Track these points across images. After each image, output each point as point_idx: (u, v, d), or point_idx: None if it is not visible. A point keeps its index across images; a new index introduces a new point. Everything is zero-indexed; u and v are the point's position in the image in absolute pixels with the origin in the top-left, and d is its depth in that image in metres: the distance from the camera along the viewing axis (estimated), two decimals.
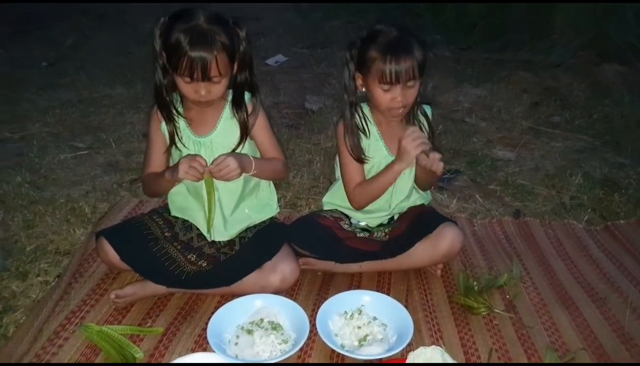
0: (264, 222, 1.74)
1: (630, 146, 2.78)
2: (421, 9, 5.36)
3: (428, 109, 1.77)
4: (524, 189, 2.42)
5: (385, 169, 1.69)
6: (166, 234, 1.67)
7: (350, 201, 1.78)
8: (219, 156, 1.54)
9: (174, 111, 1.60)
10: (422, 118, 1.75)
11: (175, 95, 1.61)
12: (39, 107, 3.20)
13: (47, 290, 1.68)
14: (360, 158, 1.71)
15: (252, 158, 1.60)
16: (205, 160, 1.52)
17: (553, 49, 4.11)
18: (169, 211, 1.74)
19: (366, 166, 1.74)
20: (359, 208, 1.78)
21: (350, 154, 1.70)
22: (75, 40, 4.64)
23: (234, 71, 1.54)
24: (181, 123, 1.63)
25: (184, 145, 1.62)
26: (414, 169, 1.71)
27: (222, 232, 1.68)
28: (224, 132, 1.63)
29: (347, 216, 1.84)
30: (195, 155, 1.53)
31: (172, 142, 1.62)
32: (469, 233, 2.07)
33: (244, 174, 1.61)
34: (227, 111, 1.64)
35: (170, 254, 1.61)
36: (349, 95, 1.68)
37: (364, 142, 1.72)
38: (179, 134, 1.62)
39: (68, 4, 5.62)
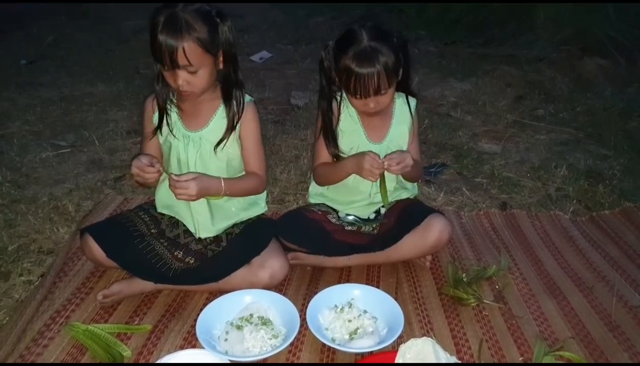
0: (251, 218, 1.73)
1: (613, 138, 2.81)
2: (405, 6, 5.37)
3: (412, 102, 1.77)
4: (510, 182, 2.44)
5: (343, 163, 1.69)
6: (152, 230, 1.65)
7: (313, 175, 1.82)
8: (188, 173, 1.51)
9: (169, 100, 1.59)
10: (405, 108, 1.75)
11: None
12: (19, 106, 3.14)
13: (31, 290, 1.65)
14: (335, 155, 1.72)
15: (222, 182, 1.56)
16: (153, 161, 1.49)
17: (536, 44, 4.15)
18: (155, 208, 1.71)
19: (345, 148, 1.73)
20: (318, 184, 1.83)
21: (322, 135, 1.72)
22: (55, 38, 4.55)
23: (218, 64, 1.52)
24: (173, 115, 1.61)
25: (174, 136, 1.60)
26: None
27: (209, 228, 1.66)
28: (215, 130, 1.60)
29: (335, 210, 1.83)
30: (140, 155, 1.51)
31: (159, 126, 1.61)
32: (457, 225, 2.07)
33: (226, 173, 1.62)
34: (222, 109, 1.62)
35: (156, 250, 1.59)
36: (324, 94, 1.68)
37: (343, 125, 1.72)
38: (170, 124, 1.60)
39: (48, 3, 5.52)
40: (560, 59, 3.99)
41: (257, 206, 1.75)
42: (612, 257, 1.90)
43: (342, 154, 1.72)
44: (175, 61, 1.41)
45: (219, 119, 1.61)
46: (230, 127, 1.60)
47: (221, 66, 1.53)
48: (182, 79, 1.46)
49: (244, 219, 1.72)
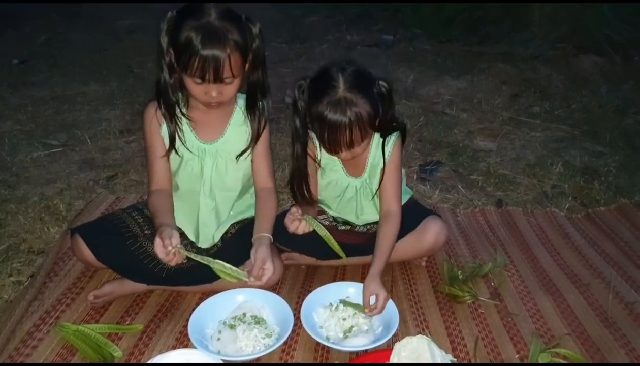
0: (247, 218, 1.70)
1: (609, 135, 2.81)
2: (400, 5, 5.36)
3: (390, 141, 1.60)
4: (506, 179, 2.43)
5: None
6: (146, 231, 1.60)
7: None
8: (257, 264, 1.43)
9: (179, 112, 1.50)
10: (379, 147, 1.61)
11: (180, 94, 1.50)
12: (10, 105, 3.10)
13: (20, 290, 1.62)
14: (300, 195, 1.65)
15: (269, 237, 1.50)
16: (177, 239, 1.38)
17: (531, 42, 4.14)
18: (149, 208, 1.68)
19: (323, 182, 1.69)
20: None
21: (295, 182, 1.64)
22: (48, 37, 4.51)
23: (246, 70, 1.45)
24: (184, 126, 1.52)
25: (188, 149, 1.53)
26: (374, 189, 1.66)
27: (211, 239, 1.63)
28: (233, 139, 1.55)
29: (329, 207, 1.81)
30: (164, 234, 1.37)
31: (172, 145, 1.51)
32: (452, 223, 2.06)
33: (241, 184, 1.61)
34: (237, 115, 1.55)
35: (149, 252, 1.55)
36: (299, 138, 1.56)
37: (322, 161, 1.65)
38: (182, 137, 1.52)
39: (41, 3, 5.48)
40: (556, 56, 3.99)
41: (253, 207, 1.71)
42: (608, 254, 1.90)
43: (316, 201, 1.67)
44: (220, 75, 1.34)
45: (235, 128, 1.55)
46: (255, 138, 1.55)
47: (246, 70, 1.45)
48: (217, 90, 1.38)
49: (240, 219, 1.69)
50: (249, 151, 1.56)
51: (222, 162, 1.56)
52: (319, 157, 1.64)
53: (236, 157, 1.56)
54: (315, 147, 1.63)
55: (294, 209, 1.52)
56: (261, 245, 1.47)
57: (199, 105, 1.48)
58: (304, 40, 4.79)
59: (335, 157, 1.64)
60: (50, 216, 2.01)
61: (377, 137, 1.62)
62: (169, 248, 1.36)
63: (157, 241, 1.38)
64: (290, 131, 1.59)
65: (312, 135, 1.60)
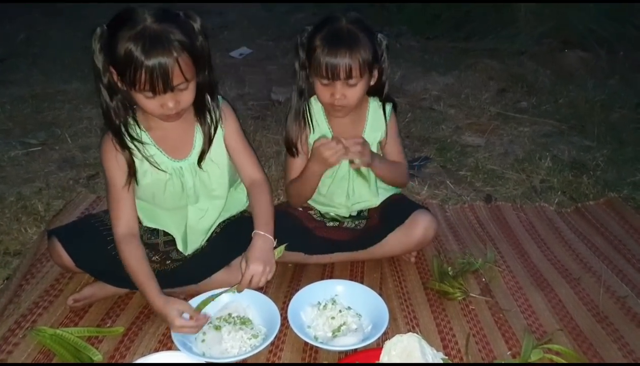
0: (233, 215, 1.65)
1: (596, 129, 2.80)
2: (386, 2, 5.34)
3: (388, 107, 1.64)
4: (495, 174, 2.41)
5: (307, 165, 1.58)
6: None
7: (287, 196, 1.73)
8: (248, 271, 1.35)
9: (132, 136, 1.36)
10: (379, 114, 1.64)
11: (132, 114, 1.37)
12: None
13: None
14: (290, 149, 1.62)
15: (268, 237, 1.42)
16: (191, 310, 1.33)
17: (517, 37, 4.14)
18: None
19: None
20: (294, 204, 1.72)
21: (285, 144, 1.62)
22: (28, 35, 4.41)
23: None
24: (151, 149, 1.39)
25: (164, 171, 1.41)
26: (370, 171, 1.64)
27: (197, 245, 1.57)
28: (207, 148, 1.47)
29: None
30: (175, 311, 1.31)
31: (132, 173, 1.38)
32: (442, 218, 2.04)
33: (229, 188, 1.54)
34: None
35: None
36: (298, 82, 1.56)
37: (312, 137, 1.62)
38: (153, 162, 1.39)
39: (21, 2, 5.36)
40: (542, 52, 3.98)
41: (239, 202, 1.65)
42: (598, 248, 1.88)
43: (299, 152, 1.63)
44: (171, 83, 1.21)
45: (201, 134, 1.45)
46: (209, 141, 1.44)
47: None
48: (172, 100, 1.26)
49: (226, 217, 1.64)
50: (206, 154, 1.45)
51: (205, 175, 1.47)
52: (311, 138, 1.61)
53: (197, 163, 1.45)
54: (309, 129, 1.61)
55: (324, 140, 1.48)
56: (250, 248, 1.40)
57: (158, 121, 1.36)
58: (290, 37, 4.74)
59: (327, 129, 1.62)
60: (27, 216, 1.94)
61: (373, 109, 1.63)
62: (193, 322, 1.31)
63: (179, 321, 1.29)
64: (294, 83, 1.57)
65: (307, 132, 1.57)
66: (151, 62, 1.17)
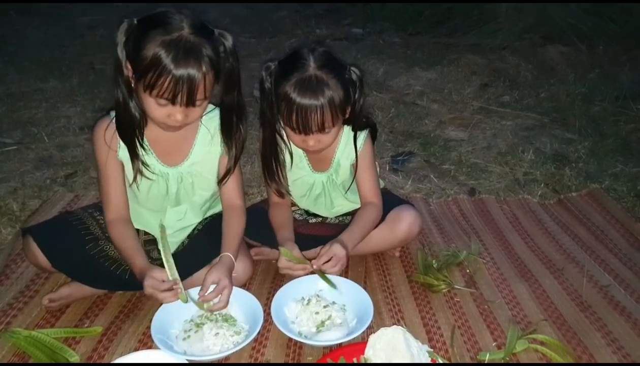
0: (215, 213, 1.62)
1: (577, 122, 2.83)
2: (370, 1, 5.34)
3: (361, 136, 1.56)
4: (478, 168, 2.41)
5: (276, 232, 1.55)
6: (107, 234, 1.46)
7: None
8: (204, 285, 1.33)
9: (140, 137, 1.36)
10: (351, 140, 1.57)
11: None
12: None
13: None
14: (279, 192, 1.60)
15: (230, 256, 1.40)
16: (176, 279, 1.29)
17: (499, 33, 4.17)
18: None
19: (291, 178, 1.63)
20: None
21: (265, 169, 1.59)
22: (2, 34, 4.32)
23: (220, 91, 1.33)
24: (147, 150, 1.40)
25: (152, 172, 1.40)
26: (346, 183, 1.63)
27: (176, 245, 1.55)
28: (200, 162, 1.44)
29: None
30: (152, 272, 1.29)
31: (139, 173, 1.38)
32: (426, 212, 2.03)
33: (210, 197, 1.52)
34: (203, 135, 1.43)
35: (110, 255, 1.45)
36: (266, 120, 1.49)
37: (287, 166, 1.59)
38: (145, 161, 1.39)
39: None
40: (523, 46, 4.02)
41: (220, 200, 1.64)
42: (581, 238, 1.89)
43: (288, 192, 1.61)
44: (193, 97, 1.21)
45: (200, 148, 1.43)
46: (234, 164, 1.44)
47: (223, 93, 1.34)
48: (183, 113, 1.24)
49: (208, 215, 1.61)
50: (228, 177, 1.45)
51: (188, 184, 1.45)
52: (287, 153, 1.57)
53: (218, 183, 1.46)
54: (284, 142, 1.55)
55: (283, 263, 1.45)
56: (215, 266, 1.38)
57: (155, 125, 1.35)
58: (272, 34, 4.71)
59: (301, 153, 1.59)
60: (1, 216, 1.89)
61: (346, 133, 1.57)
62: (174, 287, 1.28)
63: (151, 281, 1.27)
64: (259, 116, 1.51)
65: (282, 134, 1.53)
66: (179, 72, 1.16)
